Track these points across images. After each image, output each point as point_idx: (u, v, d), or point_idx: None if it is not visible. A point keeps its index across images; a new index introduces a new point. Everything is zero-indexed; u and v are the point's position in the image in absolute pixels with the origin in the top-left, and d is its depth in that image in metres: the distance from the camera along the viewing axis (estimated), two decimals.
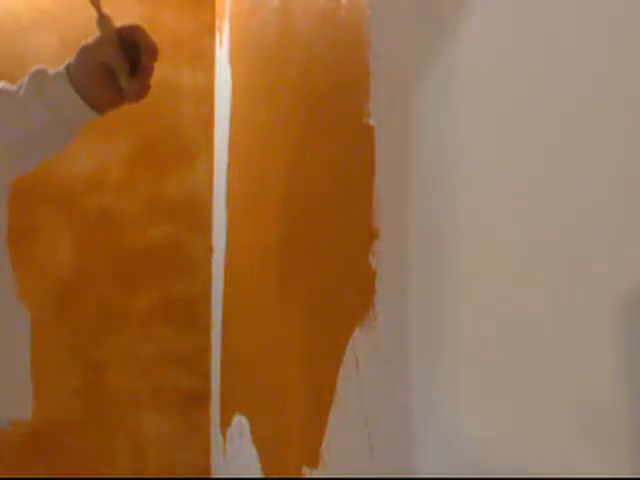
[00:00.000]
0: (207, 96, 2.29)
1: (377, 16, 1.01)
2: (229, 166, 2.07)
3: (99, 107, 1.05)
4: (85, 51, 1.02)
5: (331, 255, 1.18)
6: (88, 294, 2.16)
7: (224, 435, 2.02)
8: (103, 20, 1.02)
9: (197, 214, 2.27)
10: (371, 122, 1.01)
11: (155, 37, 1.05)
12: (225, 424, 2.01)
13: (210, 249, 2.26)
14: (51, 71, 1.03)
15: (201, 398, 2.22)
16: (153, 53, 1.02)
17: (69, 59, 1.04)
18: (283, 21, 1.52)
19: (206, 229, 2.27)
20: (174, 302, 2.23)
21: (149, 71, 1.03)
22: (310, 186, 1.31)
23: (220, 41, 2.24)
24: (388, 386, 0.94)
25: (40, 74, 1.02)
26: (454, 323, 0.79)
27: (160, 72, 2.42)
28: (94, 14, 1.02)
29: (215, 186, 2.26)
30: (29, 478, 2.02)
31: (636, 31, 0.53)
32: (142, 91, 1.03)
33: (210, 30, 2.29)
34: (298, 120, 1.40)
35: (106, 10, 1.03)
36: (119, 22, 1.05)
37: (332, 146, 1.19)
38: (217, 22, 2.29)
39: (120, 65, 1.01)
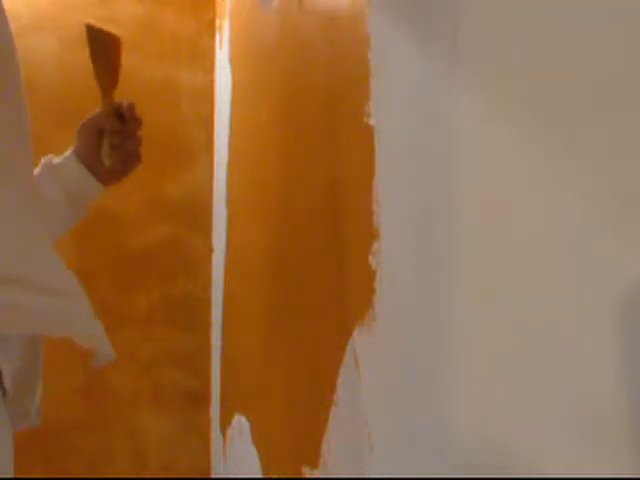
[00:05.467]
0: (207, 96, 2.29)
1: (377, 16, 1.01)
2: (229, 166, 2.07)
3: (102, 178, 1.07)
4: (83, 123, 1.06)
5: (331, 255, 1.18)
6: (88, 294, 2.15)
7: (224, 435, 2.03)
8: (105, 100, 1.05)
9: (197, 214, 2.27)
10: (371, 122, 1.01)
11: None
12: (225, 424, 2.01)
13: (210, 249, 2.26)
14: (56, 158, 1.07)
15: (201, 398, 2.22)
16: (137, 124, 1.06)
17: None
18: (283, 21, 1.52)
19: (206, 229, 2.27)
20: (174, 302, 2.23)
21: (132, 139, 1.06)
22: (310, 186, 1.31)
23: (220, 41, 2.24)
24: (388, 386, 0.94)
25: (47, 160, 1.06)
26: (454, 323, 0.79)
27: (160, 72, 2.41)
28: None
29: (215, 186, 2.26)
30: (29, 478, 2.02)
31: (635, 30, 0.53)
32: (126, 159, 1.06)
33: (210, 30, 2.29)
34: (298, 120, 1.40)
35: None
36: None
37: (332, 146, 1.19)
38: (217, 22, 2.29)
39: (109, 127, 1.04)
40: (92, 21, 1.03)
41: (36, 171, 1.03)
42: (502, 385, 0.70)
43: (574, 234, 0.60)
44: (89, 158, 1.06)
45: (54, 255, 0.84)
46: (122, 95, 1.06)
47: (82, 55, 1.07)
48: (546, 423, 0.63)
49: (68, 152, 1.07)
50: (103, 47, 1.05)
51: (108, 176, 1.08)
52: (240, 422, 1.82)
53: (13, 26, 0.85)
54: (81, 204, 1.09)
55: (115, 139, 1.04)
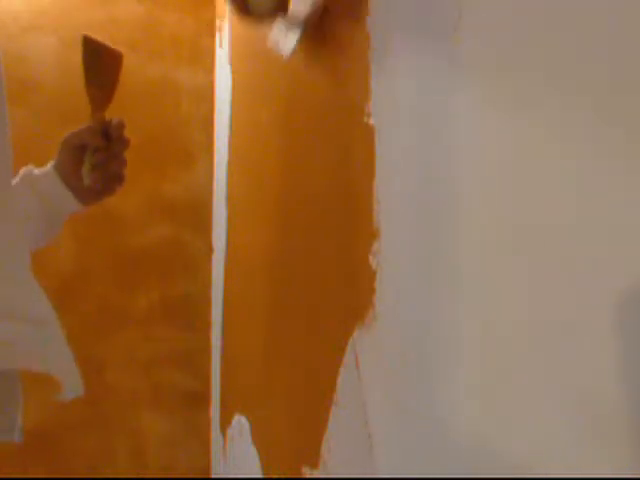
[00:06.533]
0: (207, 96, 2.29)
1: (377, 16, 1.01)
2: (229, 166, 2.07)
3: (81, 196, 1.03)
4: (66, 138, 1.02)
5: (331, 255, 1.18)
6: (88, 293, 2.16)
7: (224, 435, 2.02)
8: (95, 116, 1.02)
9: (197, 214, 2.27)
10: (371, 122, 1.00)
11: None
12: (225, 424, 2.01)
13: (210, 249, 2.26)
14: (37, 169, 1.03)
15: (201, 398, 2.22)
16: (123, 144, 1.03)
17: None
18: None
19: (206, 229, 2.27)
20: (174, 302, 2.23)
21: (116, 160, 1.02)
22: (310, 186, 1.31)
23: (220, 41, 2.24)
24: (388, 386, 0.94)
25: (28, 171, 1.02)
26: (454, 323, 0.79)
27: (160, 72, 2.41)
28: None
29: (215, 186, 2.26)
30: (29, 478, 2.02)
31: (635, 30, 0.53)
32: (107, 180, 1.02)
33: (210, 30, 2.29)
34: (298, 120, 1.40)
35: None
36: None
37: (332, 146, 1.19)
38: (217, 22, 2.29)
39: (93, 145, 1.00)
40: (89, 34, 1.01)
41: (15, 180, 0.99)
42: (502, 385, 0.70)
43: (574, 234, 0.60)
44: (69, 175, 1.01)
45: (34, 283, 0.80)
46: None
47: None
48: (546, 423, 0.63)
49: (49, 165, 1.02)
50: (100, 62, 1.02)
51: (87, 195, 1.04)
52: (240, 422, 1.82)
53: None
54: (57, 221, 1.05)
55: (98, 158, 1.00)
